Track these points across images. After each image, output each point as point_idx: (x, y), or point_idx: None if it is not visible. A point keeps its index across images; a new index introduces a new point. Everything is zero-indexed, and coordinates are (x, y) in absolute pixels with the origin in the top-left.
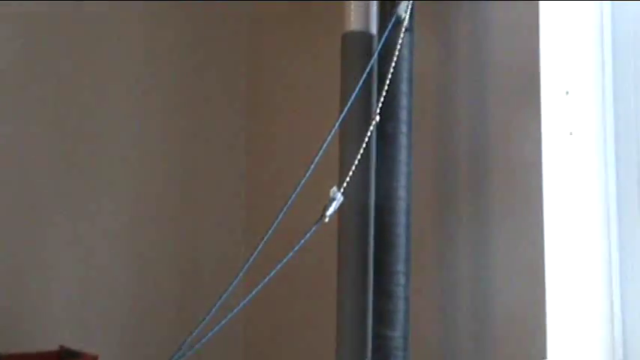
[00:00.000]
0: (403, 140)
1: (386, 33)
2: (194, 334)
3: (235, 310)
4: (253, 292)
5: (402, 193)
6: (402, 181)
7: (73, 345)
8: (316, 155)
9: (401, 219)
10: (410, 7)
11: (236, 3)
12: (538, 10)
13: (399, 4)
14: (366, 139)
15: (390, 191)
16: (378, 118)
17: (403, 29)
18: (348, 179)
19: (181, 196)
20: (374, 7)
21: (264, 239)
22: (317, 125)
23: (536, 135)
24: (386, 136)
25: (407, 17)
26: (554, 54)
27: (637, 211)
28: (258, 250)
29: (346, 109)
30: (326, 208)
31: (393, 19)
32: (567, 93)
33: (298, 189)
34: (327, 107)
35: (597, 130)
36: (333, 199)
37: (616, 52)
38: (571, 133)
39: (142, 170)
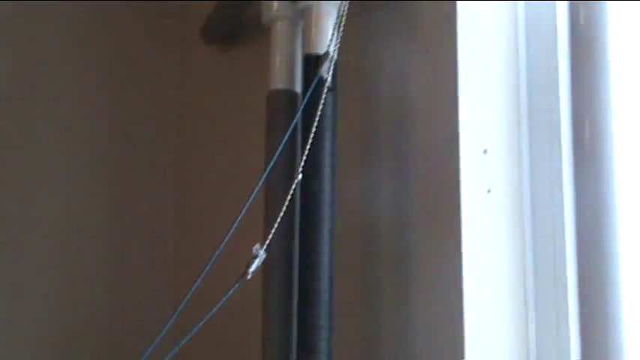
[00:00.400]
0: (326, 197)
1: (309, 93)
2: None
3: None
4: (172, 353)
5: (324, 248)
6: (325, 236)
7: None
8: (240, 213)
9: (324, 274)
10: (332, 68)
11: (164, 49)
12: (457, 78)
13: (321, 65)
14: (290, 197)
15: (314, 247)
16: (300, 176)
17: (326, 89)
18: (271, 236)
19: (109, 246)
20: (298, 66)
21: (187, 298)
22: (245, 180)
23: (455, 192)
24: (309, 193)
25: (329, 77)
26: (472, 114)
27: (551, 267)
28: (179, 310)
29: (270, 167)
30: (249, 265)
31: (316, 80)
32: (485, 152)
33: (222, 246)
34: (254, 162)
35: (514, 187)
36: (256, 256)
37: (532, 112)
38: (489, 191)
39: (66, 223)
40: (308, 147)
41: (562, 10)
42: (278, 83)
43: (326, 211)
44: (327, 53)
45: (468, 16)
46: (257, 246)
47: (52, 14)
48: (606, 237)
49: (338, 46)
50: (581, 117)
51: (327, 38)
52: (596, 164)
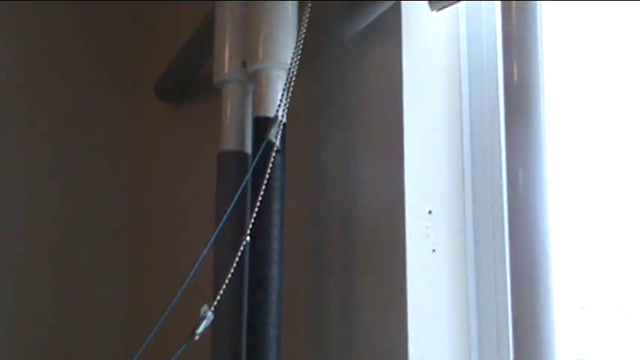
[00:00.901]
0: (274, 257)
1: (258, 156)
2: None
3: None
4: None
5: (272, 307)
6: (273, 296)
7: None
8: (188, 273)
9: (272, 333)
10: (281, 131)
11: (118, 104)
12: (403, 141)
13: (270, 128)
14: (238, 257)
15: (262, 307)
16: (248, 238)
17: (274, 151)
18: (219, 297)
19: (58, 308)
20: (249, 128)
21: (137, 354)
22: (195, 238)
23: (401, 252)
24: (258, 252)
25: (278, 141)
26: (417, 175)
27: (494, 326)
28: None
29: (219, 228)
30: (196, 327)
31: (265, 143)
32: (430, 212)
33: (170, 307)
34: (205, 221)
35: (458, 247)
36: (204, 318)
37: (475, 174)
38: (434, 251)
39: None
40: (256, 208)
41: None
42: (228, 144)
43: (274, 271)
44: (276, 117)
45: (412, 83)
46: (205, 307)
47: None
48: (543, 287)
49: (287, 108)
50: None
51: (277, 101)
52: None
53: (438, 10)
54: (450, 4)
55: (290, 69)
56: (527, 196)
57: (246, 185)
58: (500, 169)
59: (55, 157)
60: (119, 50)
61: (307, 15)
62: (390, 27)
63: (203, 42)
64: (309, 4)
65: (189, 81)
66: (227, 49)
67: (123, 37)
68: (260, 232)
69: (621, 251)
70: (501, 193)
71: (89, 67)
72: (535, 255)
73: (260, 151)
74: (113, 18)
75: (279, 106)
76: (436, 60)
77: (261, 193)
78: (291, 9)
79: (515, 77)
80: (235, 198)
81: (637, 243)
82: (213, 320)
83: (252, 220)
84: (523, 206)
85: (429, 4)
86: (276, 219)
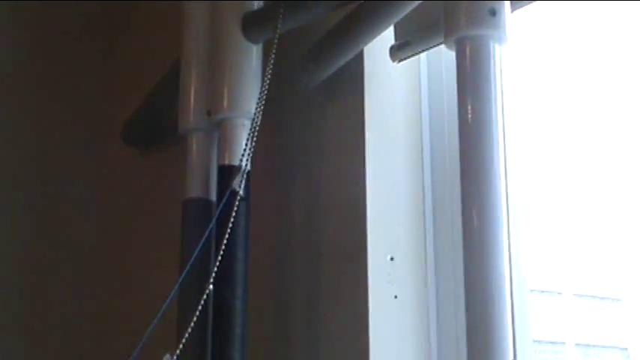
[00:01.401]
0: (238, 304)
1: (222, 204)
2: None
3: None
4: None
5: (236, 356)
6: (236, 344)
7: None
8: (152, 322)
9: None
10: (244, 181)
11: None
12: (365, 188)
13: (234, 177)
14: (201, 306)
15: (225, 355)
16: (211, 287)
17: (238, 199)
18: (181, 346)
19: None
20: (213, 175)
21: None
22: (159, 286)
23: (364, 299)
24: (221, 300)
25: (242, 189)
26: (379, 223)
27: None
28: None
29: (183, 275)
30: None
31: (228, 192)
32: (392, 259)
33: (134, 355)
34: (169, 269)
35: (419, 293)
36: None
37: (436, 221)
38: (395, 297)
39: None
40: (220, 256)
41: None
42: (193, 192)
43: (238, 319)
44: (240, 165)
45: (374, 132)
46: (167, 356)
47: None
48: (499, 328)
49: (251, 157)
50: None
51: (241, 150)
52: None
53: (400, 60)
54: (411, 56)
55: (254, 118)
56: (481, 234)
57: (210, 233)
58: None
59: (21, 200)
60: (86, 94)
61: (271, 64)
62: (353, 76)
63: (169, 89)
64: (273, 54)
65: (156, 127)
66: (192, 98)
67: (90, 81)
68: (224, 279)
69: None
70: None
71: (54, 109)
72: (490, 297)
73: (224, 199)
74: (80, 59)
75: (243, 154)
76: (398, 108)
77: (225, 241)
78: (255, 58)
79: (470, 117)
80: (199, 246)
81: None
82: None
83: (216, 269)
84: (477, 246)
85: (390, 55)
86: (239, 267)
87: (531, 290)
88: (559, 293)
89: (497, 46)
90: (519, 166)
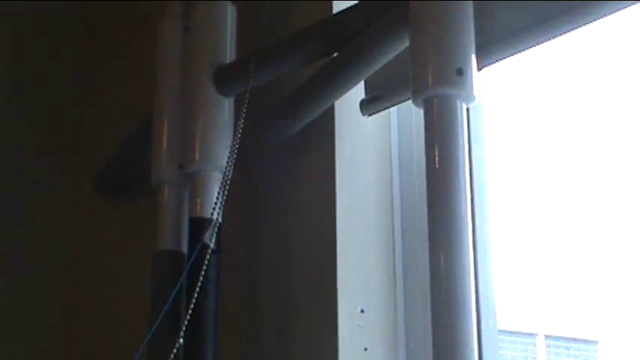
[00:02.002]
0: (210, 357)
1: (193, 257)
2: None
3: None
4: None
5: None
6: None
7: None
8: None
9: None
10: (215, 234)
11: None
12: (336, 240)
13: (205, 230)
14: (172, 358)
15: None
16: (182, 340)
17: (209, 252)
18: None
19: None
20: (185, 228)
21: None
22: (129, 338)
23: (333, 351)
24: (192, 354)
25: (212, 242)
26: (349, 275)
27: None
28: None
29: (153, 328)
30: None
31: (200, 245)
32: (362, 311)
33: None
34: (139, 321)
35: (390, 345)
36: None
37: (406, 273)
38: (365, 349)
39: None
40: (190, 310)
41: None
42: (164, 244)
43: None
44: (210, 219)
45: (345, 184)
46: None
47: None
48: None
49: (222, 210)
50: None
51: (212, 202)
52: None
53: (370, 114)
54: (381, 110)
55: (226, 171)
56: (448, 281)
57: (181, 285)
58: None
59: None
60: (60, 141)
61: (243, 117)
62: (324, 129)
63: (142, 140)
64: (245, 108)
65: (128, 178)
66: (164, 150)
67: (64, 128)
68: (194, 332)
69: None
70: None
71: (28, 156)
72: (458, 343)
73: (195, 252)
74: (54, 107)
75: (215, 207)
76: (369, 160)
77: (196, 294)
78: (227, 111)
79: (437, 168)
80: (170, 299)
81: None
82: None
83: (187, 322)
84: (445, 293)
85: (361, 109)
86: (210, 319)
87: (502, 331)
88: (532, 335)
89: (464, 105)
90: (491, 212)
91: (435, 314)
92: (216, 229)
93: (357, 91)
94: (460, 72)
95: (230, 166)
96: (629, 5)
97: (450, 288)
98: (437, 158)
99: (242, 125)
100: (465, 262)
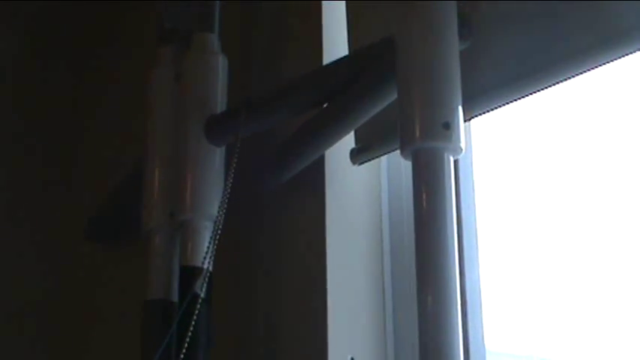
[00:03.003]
0: None
1: (183, 307)
2: None
3: None
4: None
5: None
6: None
7: None
8: None
9: None
10: (206, 283)
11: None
12: (326, 290)
13: (196, 279)
14: None
15: None
16: None
17: (200, 301)
18: None
19: None
20: (175, 276)
21: None
22: None
23: None
24: None
25: (203, 292)
26: (340, 323)
27: None
28: None
29: None
30: None
31: (190, 294)
32: (352, 359)
33: None
34: None
35: None
36: None
37: (396, 321)
38: None
39: None
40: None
41: None
42: (154, 293)
43: None
44: (201, 268)
45: (335, 233)
46: None
47: None
48: None
49: (212, 258)
50: None
51: (203, 251)
52: None
53: (360, 163)
54: (371, 159)
55: (216, 220)
56: (435, 321)
57: (171, 334)
58: None
59: None
60: (50, 188)
61: (233, 167)
62: (314, 178)
63: (133, 188)
64: (236, 158)
65: (119, 225)
66: (155, 198)
67: (54, 175)
68: None
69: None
70: None
71: (18, 201)
72: None
73: (185, 302)
74: (45, 153)
75: (205, 256)
76: (359, 208)
77: (186, 344)
78: (218, 160)
79: (425, 218)
80: (160, 348)
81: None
82: None
83: None
84: (432, 339)
85: (351, 158)
86: None
87: None
88: None
89: (451, 157)
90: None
91: (423, 358)
92: (206, 278)
93: (348, 140)
94: (447, 125)
95: (221, 215)
96: (614, 59)
97: (438, 333)
98: (425, 208)
99: (233, 174)
100: (453, 306)
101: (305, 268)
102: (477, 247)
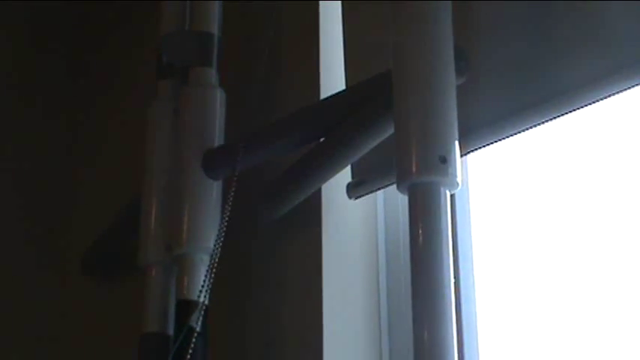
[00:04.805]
0: None
1: (179, 341)
2: None
3: None
4: None
5: None
6: None
7: None
8: None
9: None
10: (202, 317)
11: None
12: (322, 336)
13: (192, 313)
14: None
15: None
16: None
17: (195, 335)
18: None
19: None
20: (172, 309)
21: None
22: None
23: None
24: None
25: (199, 326)
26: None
27: None
28: None
29: None
30: None
31: (186, 328)
32: None
33: None
34: None
35: None
36: None
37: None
38: None
39: None
40: None
41: None
42: (151, 326)
43: None
44: (197, 301)
45: (332, 267)
46: None
47: None
48: None
49: (209, 292)
50: None
51: (199, 285)
52: None
53: (356, 197)
54: (367, 193)
55: (213, 253)
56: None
57: None
58: None
59: None
60: (47, 221)
61: (230, 201)
62: (311, 211)
63: (129, 221)
64: (233, 192)
65: (115, 259)
66: (152, 231)
67: (50, 208)
68: None
69: None
70: None
71: (14, 234)
72: None
73: (181, 336)
74: (42, 185)
75: (202, 290)
76: (355, 241)
77: None
78: (215, 194)
79: (421, 252)
80: None
81: None
82: None
83: None
84: None
85: (347, 192)
86: None
87: None
88: None
89: (447, 192)
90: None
91: None
92: (202, 312)
93: (344, 174)
94: (443, 160)
95: (217, 248)
96: (614, 93)
97: None
98: (421, 242)
99: (230, 208)
100: (449, 340)
101: (302, 302)
102: (473, 282)
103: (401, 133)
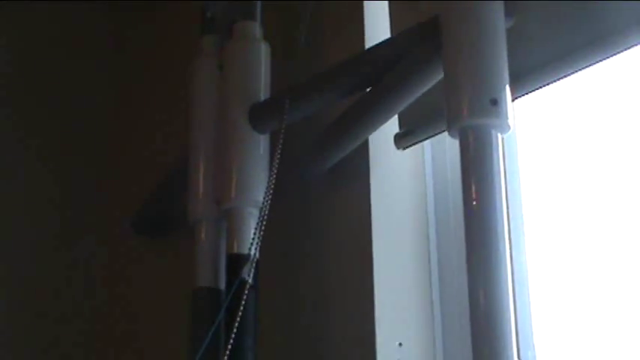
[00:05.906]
0: None
1: (231, 293)
2: None
3: None
4: None
5: None
6: None
7: None
8: None
9: None
10: (253, 270)
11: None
12: (373, 275)
13: (243, 265)
14: None
15: None
16: None
17: (247, 288)
18: None
19: None
20: (222, 264)
21: None
22: None
23: None
24: None
25: (250, 278)
26: (387, 309)
27: None
28: None
29: None
30: None
31: (238, 281)
32: (400, 345)
33: None
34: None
35: None
36: None
37: (444, 306)
38: None
39: None
40: (229, 346)
41: None
42: (202, 281)
43: None
44: (248, 255)
45: (380, 219)
46: None
47: None
48: None
49: (259, 245)
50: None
51: (249, 239)
52: None
53: (404, 148)
54: (415, 143)
55: (262, 207)
56: (487, 317)
57: (219, 322)
58: None
59: (30, 283)
60: (97, 182)
61: (278, 155)
62: (358, 164)
63: (178, 179)
64: (280, 145)
65: (166, 216)
66: (200, 187)
67: (101, 169)
68: None
69: None
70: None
71: (64, 196)
72: None
73: (233, 288)
74: (90, 148)
75: (252, 243)
76: (403, 194)
77: (235, 330)
78: (262, 148)
79: (474, 202)
80: (209, 335)
81: None
82: None
83: (226, 358)
84: (484, 329)
85: (395, 143)
86: (248, 356)
87: None
88: None
89: (499, 135)
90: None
91: (476, 350)
92: (253, 265)
93: (391, 125)
94: (494, 102)
95: (267, 202)
96: None
97: (490, 325)
98: (473, 188)
99: (278, 162)
100: (505, 298)
101: (351, 254)
102: (523, 234)
103: (450, 77)
